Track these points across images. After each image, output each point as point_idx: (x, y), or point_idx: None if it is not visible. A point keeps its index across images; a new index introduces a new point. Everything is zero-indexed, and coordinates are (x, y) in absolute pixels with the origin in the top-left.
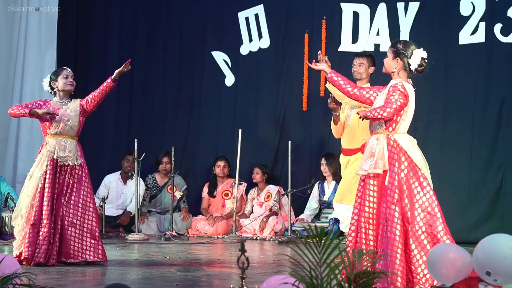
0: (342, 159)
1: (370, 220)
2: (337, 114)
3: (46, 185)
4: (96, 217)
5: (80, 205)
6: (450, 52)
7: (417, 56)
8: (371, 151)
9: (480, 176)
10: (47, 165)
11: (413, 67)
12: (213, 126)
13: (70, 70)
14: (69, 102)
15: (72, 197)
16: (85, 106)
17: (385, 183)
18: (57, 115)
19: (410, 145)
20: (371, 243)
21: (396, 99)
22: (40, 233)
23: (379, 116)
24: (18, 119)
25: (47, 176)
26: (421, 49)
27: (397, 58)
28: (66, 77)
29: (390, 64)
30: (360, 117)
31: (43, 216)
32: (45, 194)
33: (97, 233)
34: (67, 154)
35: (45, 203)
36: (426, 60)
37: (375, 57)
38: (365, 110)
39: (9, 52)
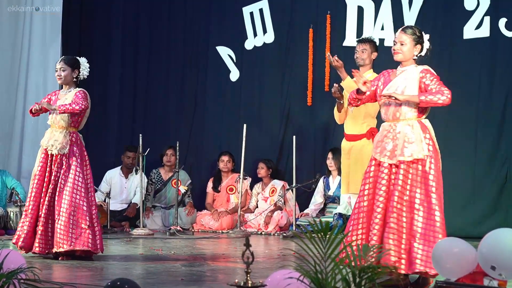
0: (346, 144)
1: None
2: (341, 102)
3: (37, 175)
4: (89, 206)
5: (67, 193)
6: (454, 47)
7: (427, 42)
8: (406, 137)
9: (485, 171)
10: (41, 155)
11: (423, 53)
12: (217, 121)
13: (59, 62)
14: (69, 92)
15: (62, 186)
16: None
17: (426, 168)
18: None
19: (432, 130)
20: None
21: (441, 83)
22: (32, 221)
23: (446, 101)
24: (22, 114)
25: (40, 166)
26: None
27: (418, 44)
28: (56, 70)
29: (411, 51)
30: (418, 104)
31: (34, 205)
32: (35, 184)
33: (91, 223)
34: (52, 143)
35: (36, 193)
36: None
37: (379, 50)
38: (417, 97)
39: (13, 50)
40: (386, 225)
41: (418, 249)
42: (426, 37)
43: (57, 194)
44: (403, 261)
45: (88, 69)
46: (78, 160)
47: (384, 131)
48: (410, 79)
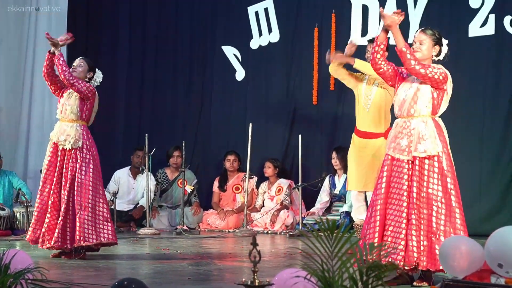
0: (358, 141)
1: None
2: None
3: (46, 169)
4: (105, 200)
5: (90, 187)
6: (459, 45)
7: (446, 45)
8: (420, 133)
9: (491, 168)
10: (50, 149)
11: (442, 56)
12: (223, 121)
13: (79, 58)
14: None
15: (81, 180)
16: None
17: (444, 165)
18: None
19: (445, 130)
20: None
21: (433, 71)
22: (45, 216)
23: (410, 65)
24: (28, 115)
25: (48, 161)
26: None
27: (437, 45)
28: (73, 66)
29: (430, 50)
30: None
31: (44, 199)
32: (46, 179)
33: (108, 215)
34: (65, 138)
35: (48, 187)
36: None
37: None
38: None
39: (19, 51)
40: (409, 222)
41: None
42: (445, 42)
43: (75, 188)
44: (423, 258)
45: (100, 80)
46: (94, 152)
47: (399, 127)
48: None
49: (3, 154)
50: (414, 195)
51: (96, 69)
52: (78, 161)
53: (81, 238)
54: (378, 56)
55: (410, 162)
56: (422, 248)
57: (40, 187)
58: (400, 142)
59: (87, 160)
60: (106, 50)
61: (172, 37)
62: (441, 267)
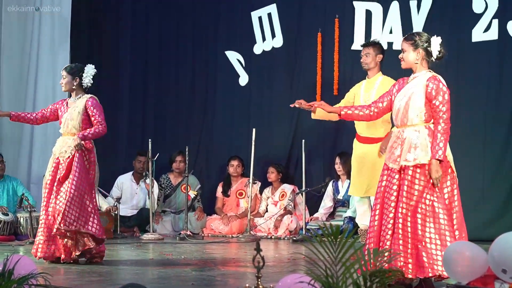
0: (359, 146)
1: (391, 215)
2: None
3: (48, 184)
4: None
5: (75, 180)
6: (462, 50)
7: (435, 43)
8: (411, 143)
9: (494, 174)
10: (53, 164)
11: (434, 55)
12: (227, 126)
13: (62, 71)
14: (79, 99)
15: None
16: (88, 112)
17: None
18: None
19: None
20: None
21: (447, 106)
22: (47, 230)
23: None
24: None
25: (51, 176)
26: (435, 36)
27: (418, 49)
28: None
29: (412, 57)
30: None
31: (49, 212)
32: (47, 192)
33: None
34: (65, 149)
35: (51, 201)
36: (442, 46)
37: (388, 54)
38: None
39: (22, 53)
40: (394, 232)
41: (427, 253)
42: (437, 40)
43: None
44: (410, 266)
45: (91, 77)
46: (88, 156)
47: (394, 137)
48: (419, 85)
49: (6, 159)
50: (403, 205)
51: (85, 68)
52: (65, 166)
53: (64, 221)
54: (365, 113)
55: (402, 171)
56: (408, 256)
57: (43, 201)
58: (394, 151)
59: (77, 163)
60: (109, 55)
61: (175, 42)
62: (430, 274)
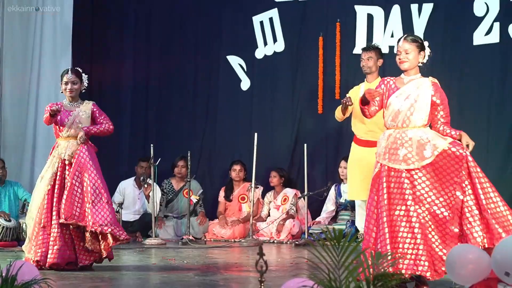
0: (358, 150)
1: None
2: (347, 107)
3: (56, 186)
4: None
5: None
6: (464, 53)
7: (427, 49)
8: (420, 140)
9: (496, 178)
10: (57, 167)
11: (425, 60)
12: (229, 130)
13: (71, 74)
14: (81, 104)
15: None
16: (94, 116)
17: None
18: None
19: None
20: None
21: (447, 109)
22: (51, 234)
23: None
24: (34, 126)
25: (57, 177)
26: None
27: (422, 51)
28: (66, 83)
29: (417, 58)
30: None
31: (53, 217)
32: (55, 195)
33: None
34: (70, 153)
35: (55, 204)
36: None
37: (391, 58)
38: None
39: (24, 58)
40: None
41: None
42: (425, 43)
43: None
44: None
45: (86, 82)
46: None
47: (392, 138)
48: (423, 89)
49: (8, 164)
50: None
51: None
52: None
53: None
54: (367, 113)
55: (411, 171)
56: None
57: (43, 201)
58: (397, 152)
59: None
60: (111, 60)
61: (177, 46)
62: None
